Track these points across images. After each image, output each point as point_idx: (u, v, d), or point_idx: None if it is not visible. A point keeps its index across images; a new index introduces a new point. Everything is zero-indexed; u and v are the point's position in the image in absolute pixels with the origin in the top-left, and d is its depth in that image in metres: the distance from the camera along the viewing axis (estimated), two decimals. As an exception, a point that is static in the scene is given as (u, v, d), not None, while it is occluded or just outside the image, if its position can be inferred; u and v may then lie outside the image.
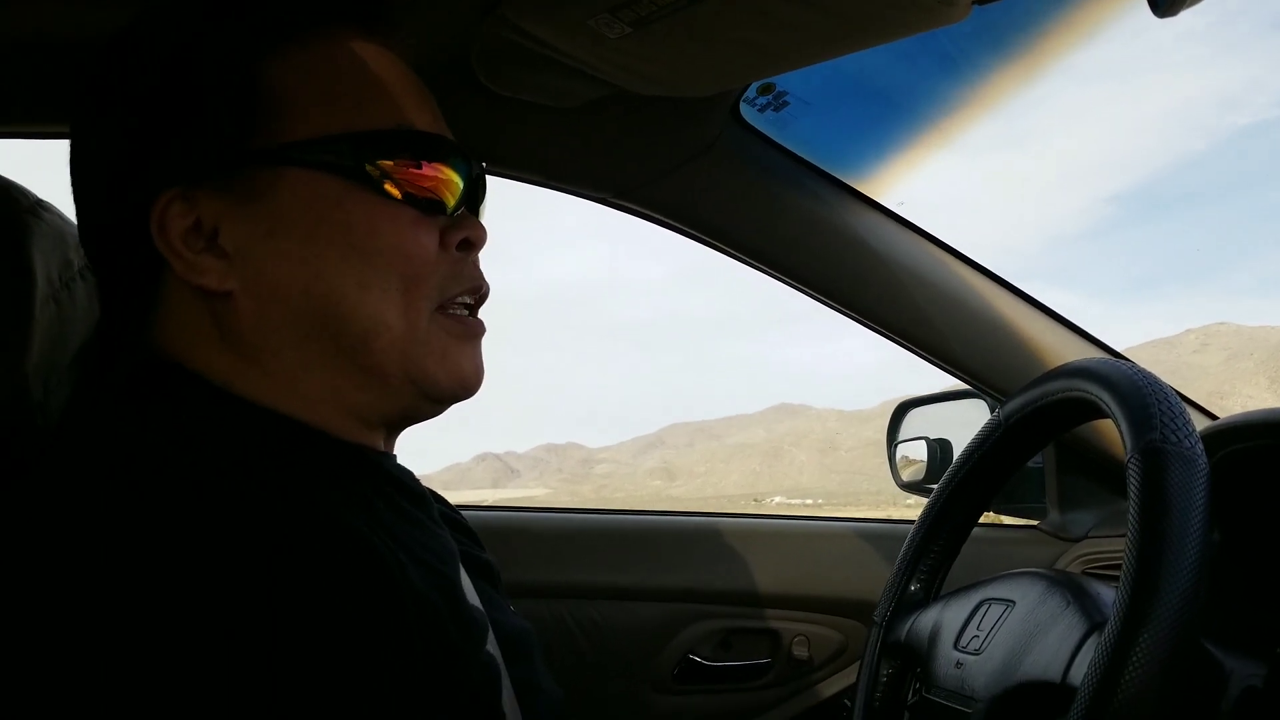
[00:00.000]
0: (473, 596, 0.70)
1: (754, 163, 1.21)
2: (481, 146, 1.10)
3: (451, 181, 0.68)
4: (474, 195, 0.71)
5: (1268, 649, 0.63)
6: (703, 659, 1.39)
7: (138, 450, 0.56)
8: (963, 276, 1.31)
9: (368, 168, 0.63)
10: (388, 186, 0.64)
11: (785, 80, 1.11)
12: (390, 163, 0.64)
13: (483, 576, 0.77)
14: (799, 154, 1.24)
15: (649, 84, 0.97)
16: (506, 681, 0.67)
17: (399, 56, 0.69)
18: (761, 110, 1.17)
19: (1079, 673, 0.64)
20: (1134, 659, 0.54)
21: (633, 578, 1.38)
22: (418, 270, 0.65)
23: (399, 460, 0.73)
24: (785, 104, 1.15)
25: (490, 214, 0.77)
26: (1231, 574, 0.83)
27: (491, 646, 0.67)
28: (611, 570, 1.38)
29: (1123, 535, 1.30)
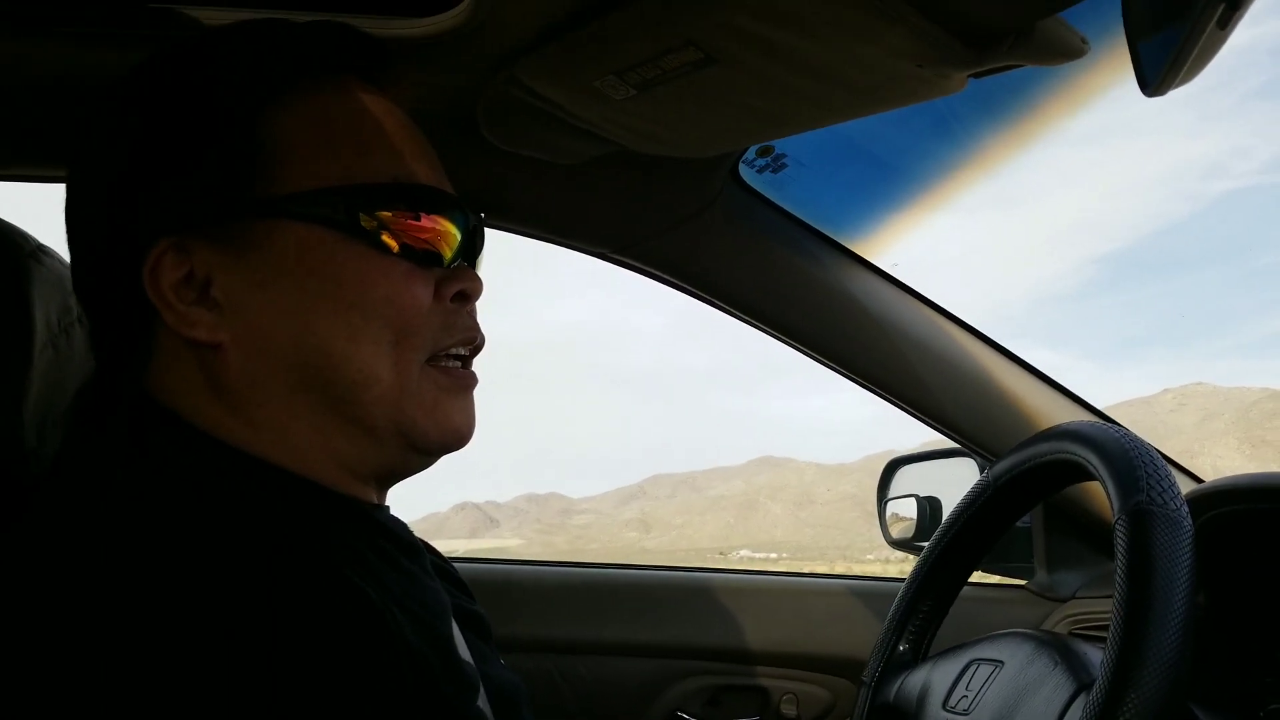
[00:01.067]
0: (464, 650, 0.69)
1: (752, 222, 1.23)
2: (483, 200, 1.12)
3: (449, 233, 0.67)
4: (471, 247, 0.71)
5: (1251, 712, 0.64)
6: (691, 716, 1.37)
7: (132, 498, 0.55)
8: (954, 337, 1.33)
9: (364, 220, 0.63)
10: (384, 238, 0.64)
11: (784, 143, 1.14)
12: (388, 214, 0.64)
13: (473, 629, 0.77)
14: (796, 214, 1.26)
15: (651, 144, 0.99)
16: None
17: (400, 107, 0.70)
18: (760, 171, 1.19)
19: None
20: (1122, 718, 0.55)
21: (622, 633, 1.38)
22: (410, 322, 0.64)
23: (390, 511, 0.73)
24: (784, 165, 1.17)
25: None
26: (1216, 637, 0.84)
27: (482, 701, 0.67)
28: (601, 625, 1.37)
29: (1110, 596, 1.31)
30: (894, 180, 1.43)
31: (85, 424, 0.68)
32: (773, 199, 1.24)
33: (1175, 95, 0.65)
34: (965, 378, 1.33)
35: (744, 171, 1.19)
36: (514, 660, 1.29)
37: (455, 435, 0.67)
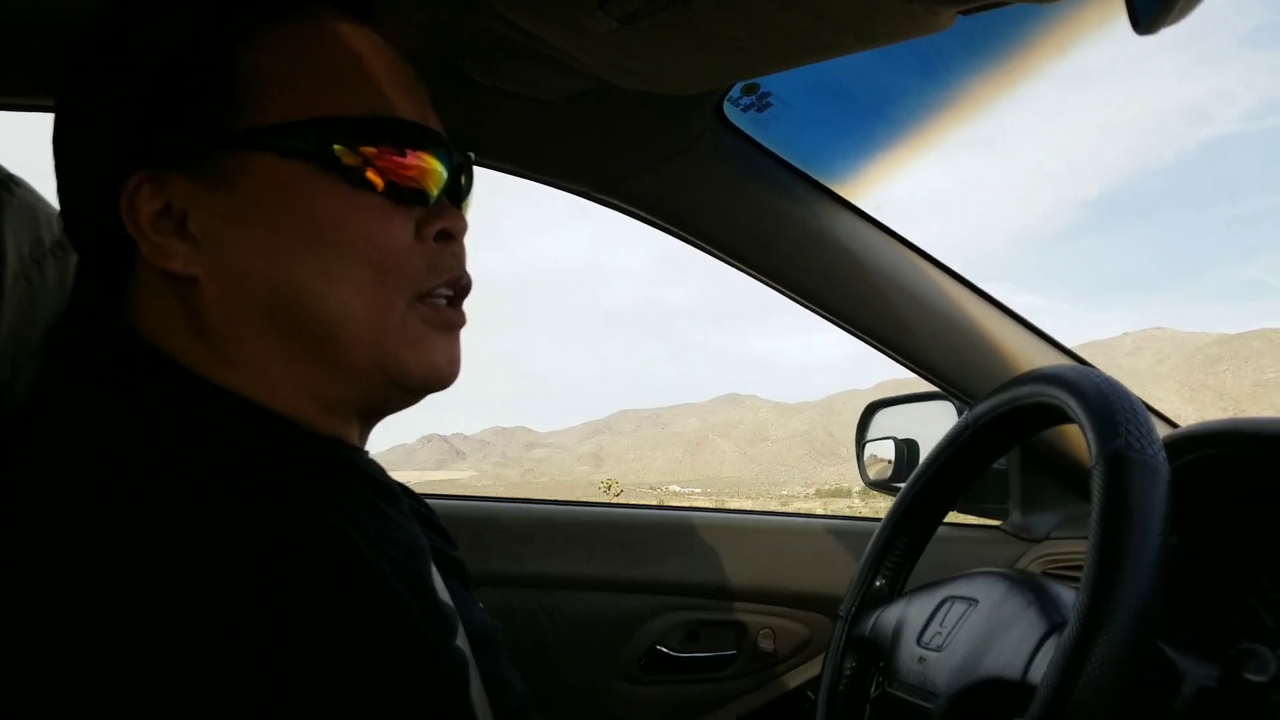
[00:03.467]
0: (443, 592, 0.70)
1: (735, 161, 1.22)
2: (463, 136, 1.10)
3: (434, 171, 0.66)
4: (458, 185, 0.70)
5: (1221, 651, 0.65)
6: (670, 650, 1.40)
7: (121, 440, 0.55)
8: (935, 281, 1.34)
9: (343, 154, 0.62)
10: (369, 174, 0.63)
11: (769, 81, 1.12)
12: (371, 149, 0.63)
13: (453, 574, 0.78)
14: (780, 154, 1.25)
15: (634, 79, 0.97)
16: (475, 676, 0.68)
17: (388, 43, 0.68)
18: (745, 110, 1.18)
19: (1038, 672, 0.66)
20: (1092, 659, 0.56)
21: (603, 569, 1.39)
22: (389, 261, 0.63)
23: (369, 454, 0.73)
24: (768, 105, 1.16)
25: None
26: (1186, 578, 0.86)
27: (461, 641, 0.67)
28: (580, 561, 1.39)
29: (1082, 537, 1.33)
30: (879, 122, 1.42)
31: (65, 358, 0.68)
32: (757, 138, 1.23)
33: (1163, 38, 0.64)
34: (945, 321, 1.34)
35: (728, 110, 1.17)
36: (495, 595, 1.31)
37: (438, 374, 0.67)
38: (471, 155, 0.73)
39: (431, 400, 0.73)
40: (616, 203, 1.24)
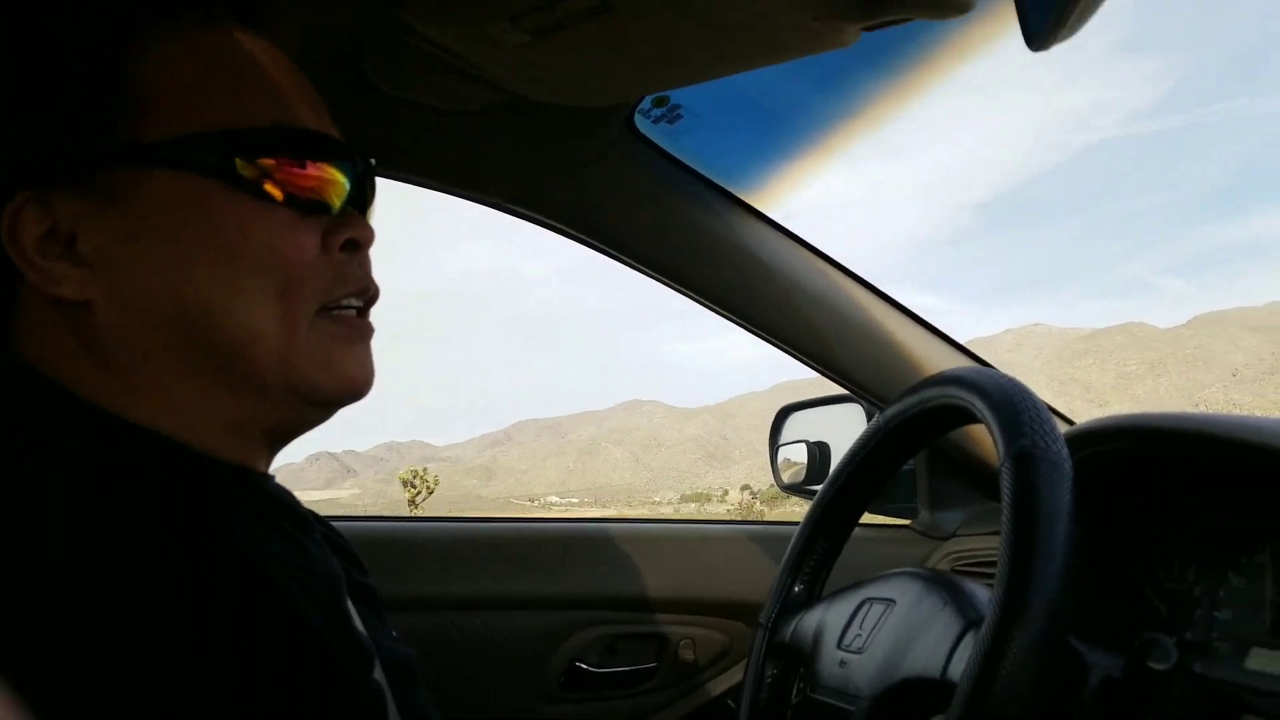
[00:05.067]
0: (358, 622, 0.68)
1: (646, 172, 1.23)
2: (371, 147, 1.08)
3: (335, 181, 0.64)
4: (361, 195, 0.68)
5: (1123, 642, 0.68)
6: (589, 666, 1.39)
7: (17, 477, 0.51)
8: (843, 287, 1.36)
9: (242, 167, 0.59)
10: (267, 187, 0.60)
11: (679, 94, 1.13)
12: (270, 161, 0.60)
13: (365, 602, 0.76)
14: (691, 165, 1.26)
15: (545, 92, 0.97)
16: (393, 709, 0.66)
17: (282, 50, 0.66)
18: (655, 122, 1.18)
19: (957, 669, 0.68)
20: (1009, 654, 0.58)
21: (518, 587, 1.37)
22: (295, 273, 0.61)
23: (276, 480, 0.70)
24: (679, 116, 1.17)
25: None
26: (1085, 571, 0.89)
27: (378, 674, 0.66)
28: (495, 580, 1.37)
29: (988, 533, 1.38)
30: (786, 131, 1.44)
31: None
32: (668, 149, 1.23)
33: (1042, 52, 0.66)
34: (853, 325, 1.37)
35: (639, 122, 1.18)
36: (408, 618, 1.27)
37: (351, 386, 0.65)
38: (373, 162, 0.70)
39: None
40: (529, 214, 1.24)
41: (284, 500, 0.67)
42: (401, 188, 1.20)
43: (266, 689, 0.51)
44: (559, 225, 1.25)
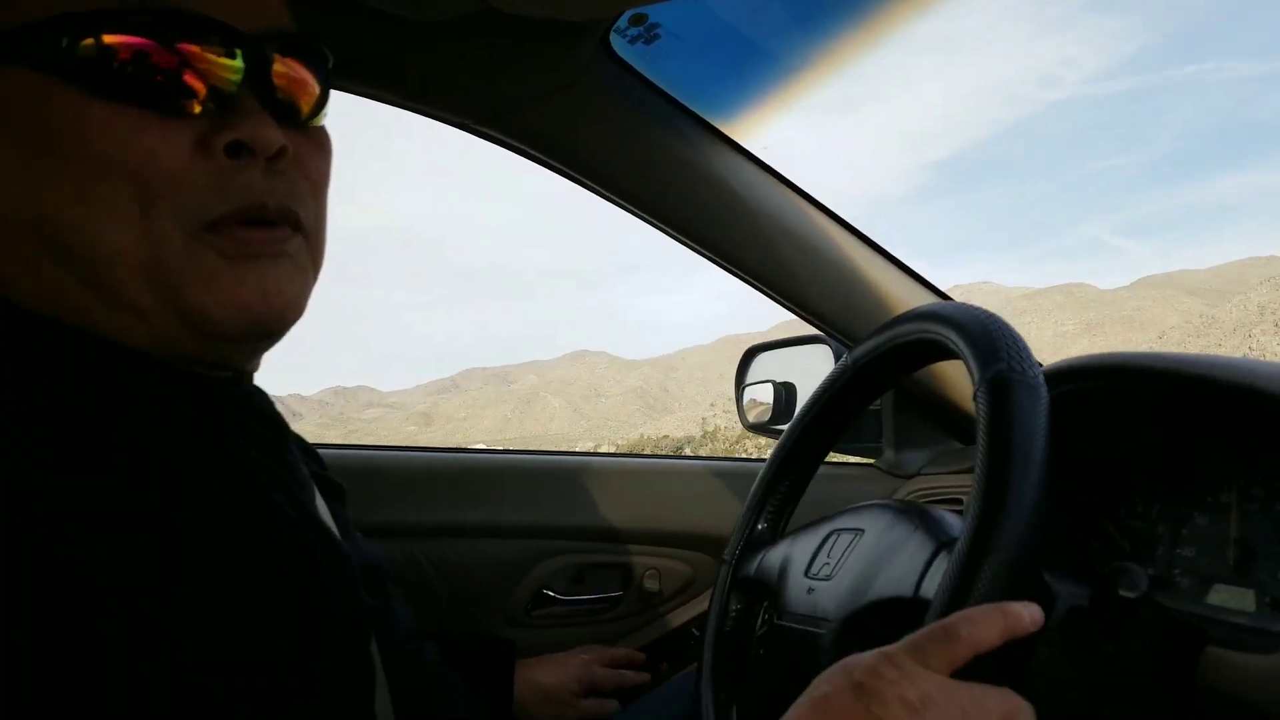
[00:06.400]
0: (330, 523, 0.67)
1: (621, 96, 1.19)
2: (337, 60, 1.04)
3: (210, 70, 0.55)
4: (262, 88, 0.58)
5: (1087, 572, 0.69)
6: (556, 593, 1.40)
7: None
8: (818, 223, 1.35)
9: (84, 53, 0.52)
10: (110, 79, 0.52)
11: (658, 12, 1.09)
12: (115, 44, 0.52)
13: (334, 498, 0.75)
14: (667, 90, 1.23)
15: (519, 3, 0.93)
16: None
17: None
18: (632, 42, 1.14)
19: (931, 586, 0.68)
20: (984, 569, 0.57)
21: (486, 516, 1.37)
22: (153, 182, 0.53)
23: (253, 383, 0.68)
24: (656, 36, 1.13)
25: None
26: (1055, 504, 0.90)
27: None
28: (464, 509, 1.36)
29: (952, 471, 1.38)
30: (763, 62, 1.41)
31: None
32: (644, 73, 1.20)
33: (1010, 6, 0.64)
34: (826, 263, 1.36)
35: (615, 42, 1.14)
36: (379, 545, 1.26)
37: (249, 312, 0.56)
38: (270, 49, 0.59)
39: (265, 358, 0.64)
40: (498, 135, 1.20)
41: (258, 405, 0.65)
42: (359, 103, 1.16)
43: (259, 591, 0.50)
44: (528, 149, 1.21)
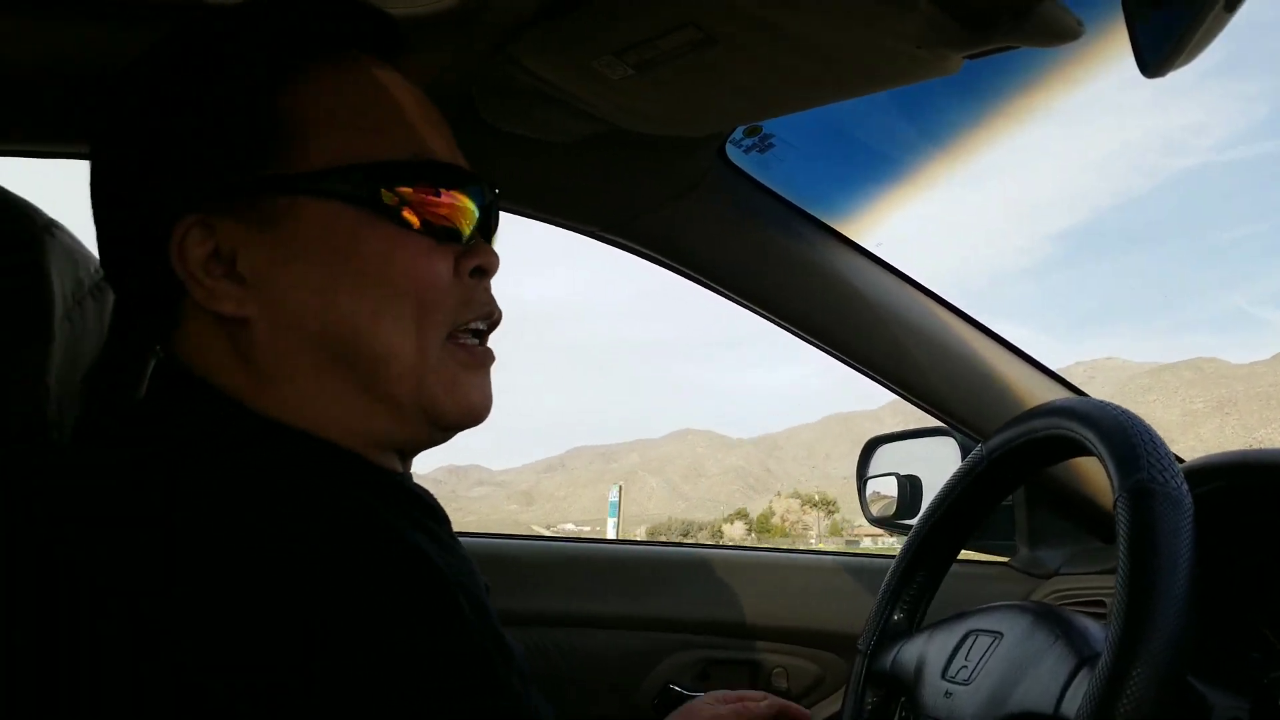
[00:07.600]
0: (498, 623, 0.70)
1: (737, 201, 1.24)
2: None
3: (467, 210, 0.68)
4: (487, 223, 0.71)
5: (1248, 683, 0.65)
6: (682, 689, 1.39)
7: (174, 454, 0.56)
8: (938, 316, 1.35)
9: (385, 196, 0.63)
10: (406, 214, 0.64)
11: (771, 123, 1.14)
12: (408, 190, 0.64)
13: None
14: (781, 194, 1.27)
15: (644, 123, 0.99)
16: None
17: (414, 85, 0.70)
18: (747, 151, 1.19)
19: (1072, 705, 0.66)
20: (1129, 691, 0.56)
21: (615, 607, 1.39)
22: (431, 298, 0.65)
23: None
24: (770, 145, 1.18)
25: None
26: (1207, 610, 0.86)
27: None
28: (593, 599, 1.38)
29: (1093, 572, 1.33)
30: (878, 161, 1.44)
31: (109, 392, 0.69)
32: (759, 178, 1.24)
33: (1133, 75, 0.65)
34: (947, 355, 1.35)
35: (730, 151, 1.19)
36: (508, 633, 1.29)
37: (472, 413, 0.68)
38: (498, 192, 0.74)
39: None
40: (624, 241, 1.26)
41: (424, 498, 0.70)
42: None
43: (443, 686, 0.53)
44: (652, 252, 1.27)
